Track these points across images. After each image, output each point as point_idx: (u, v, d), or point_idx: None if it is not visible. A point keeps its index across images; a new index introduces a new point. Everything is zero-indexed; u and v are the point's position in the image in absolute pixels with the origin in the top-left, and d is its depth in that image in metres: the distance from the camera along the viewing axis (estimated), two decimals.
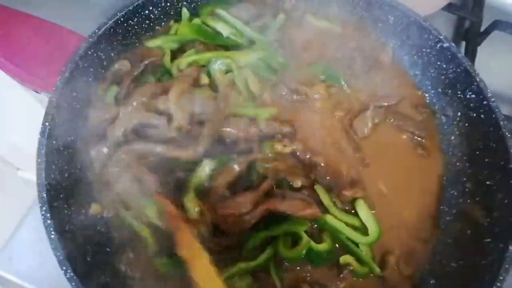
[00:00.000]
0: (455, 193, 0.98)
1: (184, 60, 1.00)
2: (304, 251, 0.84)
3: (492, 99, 0.94)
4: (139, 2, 0.99)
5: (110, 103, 0.95)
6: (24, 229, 1.01)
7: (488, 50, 1.35)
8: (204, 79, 0.99)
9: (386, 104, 1.04)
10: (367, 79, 1.07)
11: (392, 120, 1.04)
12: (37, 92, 0.91)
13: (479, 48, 1.33)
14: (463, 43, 1.37)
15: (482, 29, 1.36)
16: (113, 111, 0.92)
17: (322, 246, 0.86)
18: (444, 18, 1.41)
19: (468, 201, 0.95)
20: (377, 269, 0.87)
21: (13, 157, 1.32)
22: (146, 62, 1.01)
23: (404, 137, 1.03)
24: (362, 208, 0.90)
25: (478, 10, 1.38)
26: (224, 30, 1.04)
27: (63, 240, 0.74)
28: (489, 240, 0.86)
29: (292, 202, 0.86)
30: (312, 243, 0.85)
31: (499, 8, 1.50)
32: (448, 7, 1.33)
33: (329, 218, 0.88)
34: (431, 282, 0.89)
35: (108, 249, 0.85)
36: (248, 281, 0.83)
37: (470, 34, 1.36)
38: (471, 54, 1.32)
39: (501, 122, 0.91)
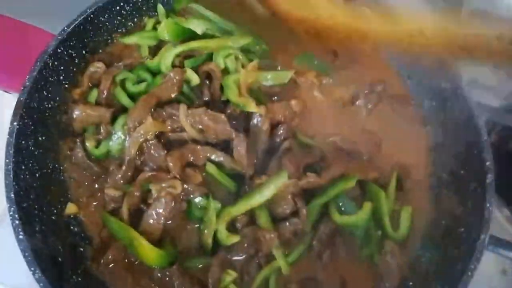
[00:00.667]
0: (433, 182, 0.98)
1: (170, 54, 0.95)
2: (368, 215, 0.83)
3: (466, 88, 0.94)
4: None
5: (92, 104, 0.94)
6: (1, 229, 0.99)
7: None
8: (195, 79, 0.95)
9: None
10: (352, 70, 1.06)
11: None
12: (8, 92, 0.90)
13: None
14: None
15: None
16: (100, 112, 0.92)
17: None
18: None
19: (444, 191, 0.95)
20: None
21: None
22: (125, 62, 0.99)
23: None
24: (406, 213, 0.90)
25: None
26: (198, 28, 1.00)
27: (32, 241, 0.73)
28: (462, 229, 0.86)
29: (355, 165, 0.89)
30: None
31: None
32: None
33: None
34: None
35: (81, 249, 0.84)
36: None
37: None
38: None
39: (474, 111, 0.91)
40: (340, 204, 0.86)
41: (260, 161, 0.88)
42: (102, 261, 0.82)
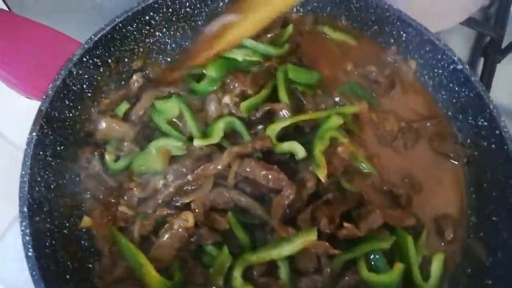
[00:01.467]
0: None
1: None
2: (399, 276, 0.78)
3: (505, 129, 0.88)
4: (139, 7, 0.96)
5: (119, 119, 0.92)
6: (12, 233, 0.99)
7: (509, 68, 1.28)
8: (301, 153, 0.85)
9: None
10: (389, 98, 1.02)
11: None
12: (29, 99, 0.89)
13: (498, 65, 1.26)
14: (482, 60, 1.30)
15: (503, 46, 1.28)
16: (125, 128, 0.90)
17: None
18: (463, 33, 1.34)
19: (472, 235, 0.90)
20: None
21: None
22: (172, 91, 0.94)
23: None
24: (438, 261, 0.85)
25: (500, 26, 1.30)
26: (238, 55, 0.95)
27: (40, 258, 0.72)
28: (489, 282, 0.81)
29: (394, 213, 0.83)
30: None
31: None
32: (468, 22, 1.25)
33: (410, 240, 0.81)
34: None
35: (89, 265, 0.83)
36: None
37: (490, 51, 1.28)
38: (489, 71, 1.25)
39: None
40: (371, 257, 0.80)
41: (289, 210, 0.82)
42: (109, 279, 0.81)
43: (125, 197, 0.85)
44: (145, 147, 0.88)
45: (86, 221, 0.86)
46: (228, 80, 0.93)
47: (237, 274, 0.76)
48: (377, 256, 0.79)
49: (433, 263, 0.84)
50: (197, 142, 0.85)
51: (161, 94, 0.93)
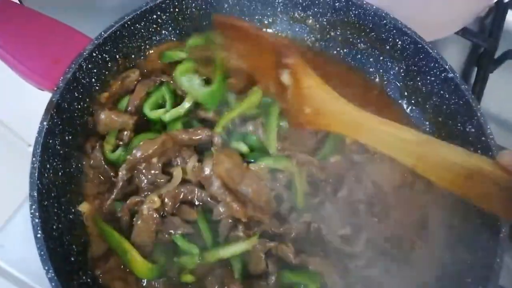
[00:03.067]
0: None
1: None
2: None
3: (491, 136, 0.93)
4: (147, 7, 1.01)
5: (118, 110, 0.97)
6: (19, 216, 1.04)
7: (500, 79, 1.32)
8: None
9: None
10: None
11: None
12: (41, 90, 0.93)
13: (491, 75, 1.31)
14: (475, 70, 1.35)
15: (496, 56, 1.33)
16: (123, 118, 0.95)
17: None
18: (458, 43, 1.38)
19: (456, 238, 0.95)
20: None
21: (25, 131, 1.35)
22: (163, 80, 1.00)
23: None
24: None
25: (494, 37, 1.35)
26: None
27: (48, 239, 0.76)
28: (469, 280, 0.85)
29: None
30: None
31: None
32: (463, 32, 1.30)
33: None
34: None
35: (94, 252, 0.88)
36: None
37: (483, 61, 1.33)
38: (481, 81, 1.29)
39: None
40: None
41: None
42: (104, 267, 0.85)
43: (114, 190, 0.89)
44: None
45: (84, 206, 0.91)
46: None
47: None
48: None
49: None
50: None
51: (153, 84, 0.99)
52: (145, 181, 0.89)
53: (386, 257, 0.90)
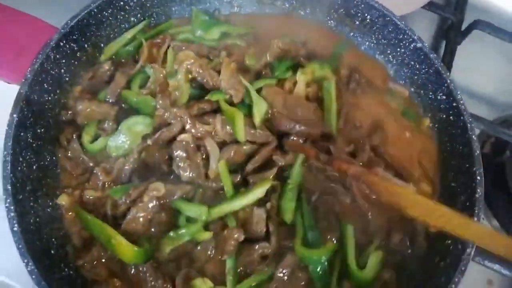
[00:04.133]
0: None
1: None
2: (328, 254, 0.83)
3: (461, 101, 0.95)
4: None
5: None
6: None
7: (468, 50, 1.35)
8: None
9: None
10: None
11: None
12: (8, 83, 0.91)
13: (459, 47, 1.34)
14: (444, 42, 1.38)
15: (463, 28, 1.36)
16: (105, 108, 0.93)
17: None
18: (426, 16, 1.41)
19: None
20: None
21: None
22: (142, 64, 0.98)
23: None
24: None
25: (460, 10, 1.38)
26: None
27: (25, 232, 0.74)
28: (449, 241, 0.87)
29: None
30: None
31: (482, 7, 1.50)
32: (429, 6, 1.32)
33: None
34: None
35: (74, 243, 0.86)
36: None
37: (451, 33, 1.36)
38: (450, 53, 1.32)
39: (469, 125, 0.92)
40: (308, 234, 0.85)
41: None
42: (86, 258, 0.82)
43: (90, 182, 0.88)
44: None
45: (63, 198, 0.88)
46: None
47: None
48: (313, 233, 0.85)
49: (370, 259, 0.86)
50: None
51: (133, 71, 0.97)
52: None
53: None
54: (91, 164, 0.91)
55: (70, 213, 0.87)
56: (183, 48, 0.96)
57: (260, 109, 0.88)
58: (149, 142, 0.86)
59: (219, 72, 0.91)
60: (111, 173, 0.87)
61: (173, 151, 0.85)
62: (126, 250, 0.78)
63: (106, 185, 0.87)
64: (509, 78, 1.40)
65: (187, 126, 0.85)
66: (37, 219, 0.81)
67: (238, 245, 0.82)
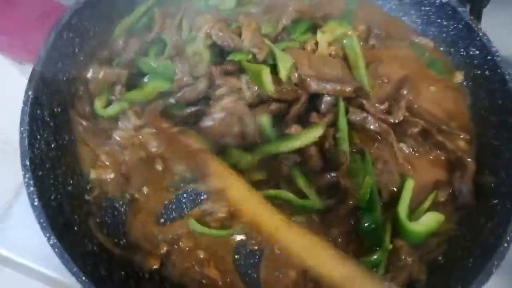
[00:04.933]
0: None
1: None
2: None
3: (497, 53, 0.89)
4: None
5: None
6: (19, 201, 0.98)
7: (493, 14, 1.28)
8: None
9: None
10: None
11: None
12: (21, 64, 0.88)
13: (484, 11, 1.27)
14: (468, 6, 1.31)
15: None
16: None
17: None
18: None
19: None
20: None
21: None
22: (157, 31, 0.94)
23: None
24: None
25: None
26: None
27: (46, 207, 0.71)
28: (495, 201, 0.81)
29: None
30: None
31: None
32: None
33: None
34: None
35: (97, 220, 0.82)
36: None
37: None
38: (475, 17, 1.26)
39: (507, 77, 0.86)
40: None
41: None
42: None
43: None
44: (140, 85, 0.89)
45: (93, 173, 0.86)
46: None
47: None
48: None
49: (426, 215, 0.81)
50: None
51: (148, 38, 0.94)
52: None
53: None
54: (108, 128, 0.90)
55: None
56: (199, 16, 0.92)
57: (285, 64, 0.83)
58: (172, 100, 0.82)
59: (239, 36, 0.86)
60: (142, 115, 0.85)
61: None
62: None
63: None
64: None
65: (218, 81, 0.81)
66: (58, 196, 0.78)
67: None
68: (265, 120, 0.84)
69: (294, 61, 0.85)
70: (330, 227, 0.80)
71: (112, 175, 0.85)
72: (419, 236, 0.78)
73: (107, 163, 0.85)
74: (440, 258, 0.81)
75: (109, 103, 0.90)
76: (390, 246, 0.77)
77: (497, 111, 0.88)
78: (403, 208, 0.79)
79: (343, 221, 0.80)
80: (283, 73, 0.84)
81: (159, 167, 0.85)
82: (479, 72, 0.93)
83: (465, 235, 0.82)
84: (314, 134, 0.82)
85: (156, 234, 0.83)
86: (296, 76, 0.85)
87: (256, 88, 0.83)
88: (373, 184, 0.79)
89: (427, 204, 0.82)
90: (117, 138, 0.84)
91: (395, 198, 0.81)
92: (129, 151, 0.84)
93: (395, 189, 0.82)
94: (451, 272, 0.78)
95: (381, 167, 0.82)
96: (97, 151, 0.86)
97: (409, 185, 0.81)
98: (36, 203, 0.71)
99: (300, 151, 0.83)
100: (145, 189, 0.84)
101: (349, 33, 0.91)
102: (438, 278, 0.79)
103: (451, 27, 0.97)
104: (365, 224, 0.79)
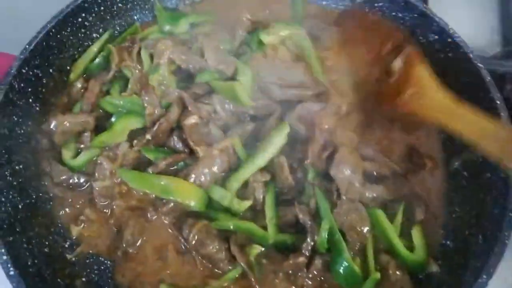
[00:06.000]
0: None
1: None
2: None
3: (456, 35, 0.91)
4: (68, 9, 0.91)
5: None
6: None
7: None
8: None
9: None
10: None
11: None
12: None
13: None
14: None
15: None
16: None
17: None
18: None
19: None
20: None
21: None
22: (115, 69, 0.90)
23: None
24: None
25: None
26: None
27: (24, 276, 0.63)
28: (488, 175, 0.81)
29: None
30: None
31: None
32: None
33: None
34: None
35: (83, 279, 0.74)
36: None
37: None
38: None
39: (471, 55, 0.88)
40: None
41: None
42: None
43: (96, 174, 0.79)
44: (108, 127, 0.84)
45: (75, 230, 0.79)
46: None
47: None
48: None
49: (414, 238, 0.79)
50: None
51: (107, 77, 0.90)
52: None
53: None
54: (82, 180, 0.82)
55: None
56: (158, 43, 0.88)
57: (245, 77, 0.80)
58: (148, 136, 0.76)
59: (202, 56, 0.83)
60: (116, 160, 0.76)
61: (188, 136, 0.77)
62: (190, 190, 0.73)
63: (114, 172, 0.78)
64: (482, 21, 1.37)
65: (190, 108, 0.77)
66: (35, 261, 0.70)
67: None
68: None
69: (256, 70, 0.83)
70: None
71: (100, 229, 0.78)
72: (422, 261, 0.77)
73: (92, 218, 0.77)
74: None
75: (78, 152, 0.83)
76: (378, 276, 0.73)
77: (468, 89, 0.89)
78: (397, 241, 0.76)
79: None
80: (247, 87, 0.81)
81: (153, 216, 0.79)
82: (442, 55, 0.94)
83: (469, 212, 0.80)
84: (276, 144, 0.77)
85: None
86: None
87: (232, 106, 0.79)
88: (332, 227, 0.74)
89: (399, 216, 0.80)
90: (97, 188, 0.76)
91: None
92: (118, 201, 0.77)
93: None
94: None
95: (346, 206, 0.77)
96: (78, 206, 0.79)
97: (382, 218, 0.77)
98: (12, 273, 0.63)
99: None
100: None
101: (297, 31, 0.90)
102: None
103: (407, 17, 0.99)
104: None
